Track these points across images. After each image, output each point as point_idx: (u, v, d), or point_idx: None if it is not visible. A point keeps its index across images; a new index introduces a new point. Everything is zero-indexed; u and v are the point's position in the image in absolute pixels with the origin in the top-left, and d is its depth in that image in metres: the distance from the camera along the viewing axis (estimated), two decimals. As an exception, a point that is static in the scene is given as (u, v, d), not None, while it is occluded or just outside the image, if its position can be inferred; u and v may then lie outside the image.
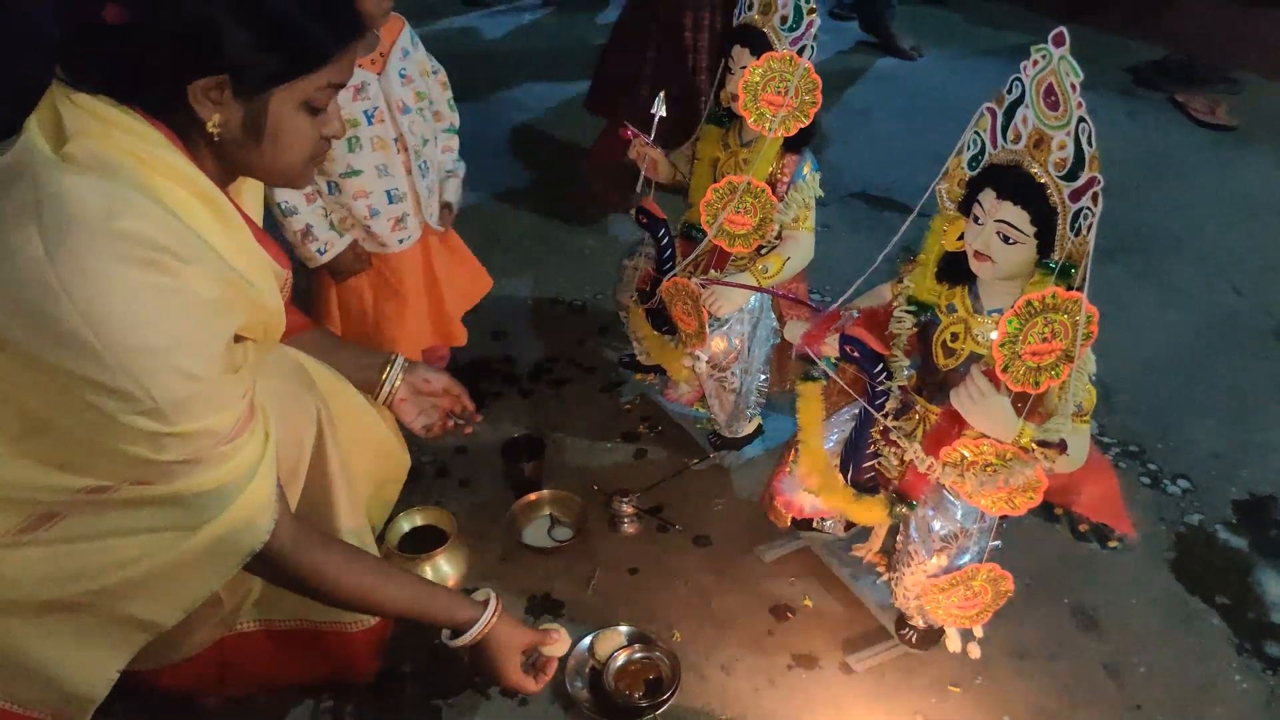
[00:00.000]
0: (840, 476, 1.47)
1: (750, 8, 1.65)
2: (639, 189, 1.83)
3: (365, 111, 1.65)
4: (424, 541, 1.60)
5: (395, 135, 1.70)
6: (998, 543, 1.45)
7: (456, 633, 1.30)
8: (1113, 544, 1.78)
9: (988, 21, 4.49)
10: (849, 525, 1.71)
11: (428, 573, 1.56)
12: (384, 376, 1.49)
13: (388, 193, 1.73)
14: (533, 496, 1.82)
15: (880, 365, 1.35)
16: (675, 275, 1.75)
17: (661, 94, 1.75)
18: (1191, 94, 3.61)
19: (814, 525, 1.71)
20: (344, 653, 1.42)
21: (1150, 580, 1.74)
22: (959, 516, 1.40)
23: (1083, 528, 1.79)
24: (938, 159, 1.34)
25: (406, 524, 1.63)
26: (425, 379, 1.53)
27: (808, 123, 1.63)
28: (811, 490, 1.50)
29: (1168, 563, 1.78)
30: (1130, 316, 2.46)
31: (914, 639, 1.55)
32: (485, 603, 1.31)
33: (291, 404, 1.24)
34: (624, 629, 1.57)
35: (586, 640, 1.56)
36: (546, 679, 1.38)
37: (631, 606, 1.66)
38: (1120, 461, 2.00)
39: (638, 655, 1.53)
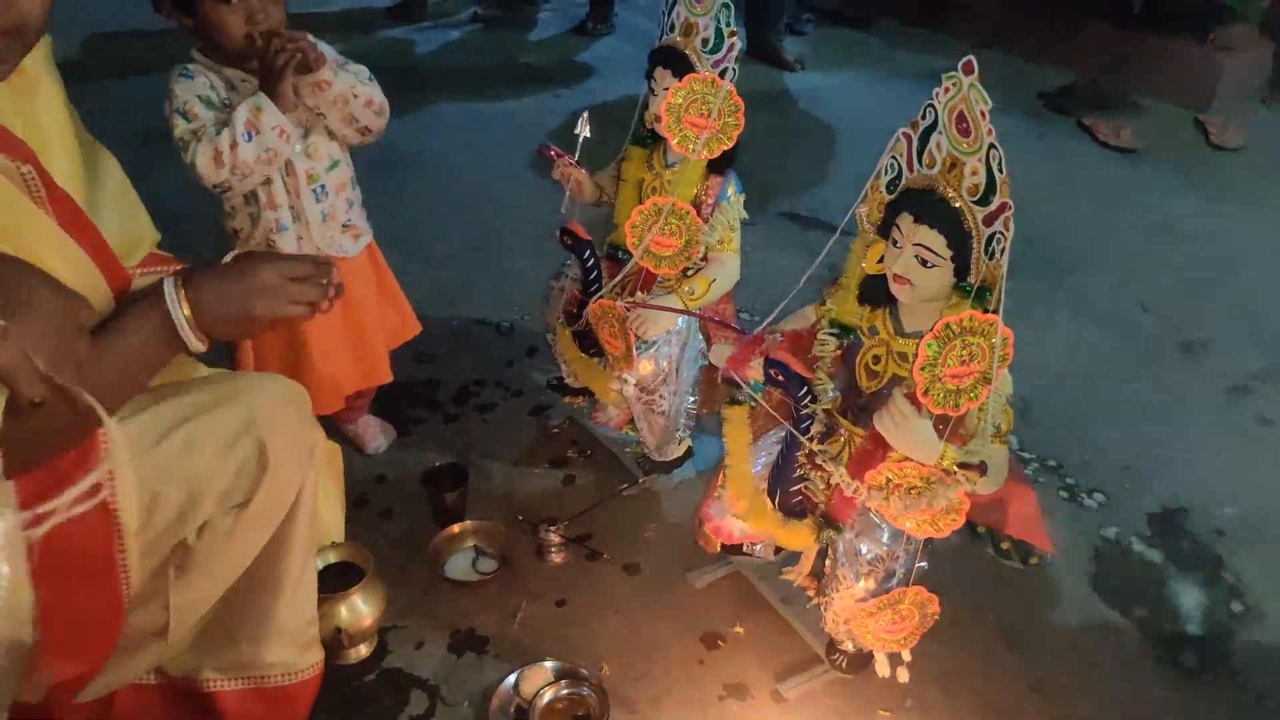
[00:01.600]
0: (768, 501, 1.46)
1: (672, 30, 1.65)
2: (564, 209, 1.80)
3: (271, 127, 1.58)
4: (339, 579, 1.53)
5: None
6: (924, 564, 1.45)
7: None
8: (1034, 561, 1.80)
9: (907, 45, 4.61)
10: (779, 549, 1.70)
11: (343, 613, 1.49)
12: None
13: (291, 207, 1.66)
14: (455, 528, 1.77)
15: (805, 389, 1.34)
16: (601, 297, 1.72)
17: (585, 114, 1.73)
18: (1097, 118, 3.75)
19: (744, 550, 1.69)
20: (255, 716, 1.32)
21: (1071, 595, 1.77)
22: (885, 539, 1.40)
23: (1005, 546, 1.81)
24: (861, 179, 1.34)
25: (319, 561, 1.56)
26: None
27: (731, 145, 1.63)
28: (739, 515, 1.49)
29: (1087, 576, 1.81)
30: (1044, 332, 2.52)
31: (844, 664, 1.54)
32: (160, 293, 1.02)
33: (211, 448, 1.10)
34: (550, 665, 1.53)
35: (511, 678, 1.51)
36: (311, 276, 1.08)
37: (560, 640, 1.62)
38: (1039, 476, 2.04)
39: (565, 692, 1.49)
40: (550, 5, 4.84)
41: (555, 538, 1.75)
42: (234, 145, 1.51)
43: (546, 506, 1.87)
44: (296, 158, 1.64)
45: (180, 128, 1.53)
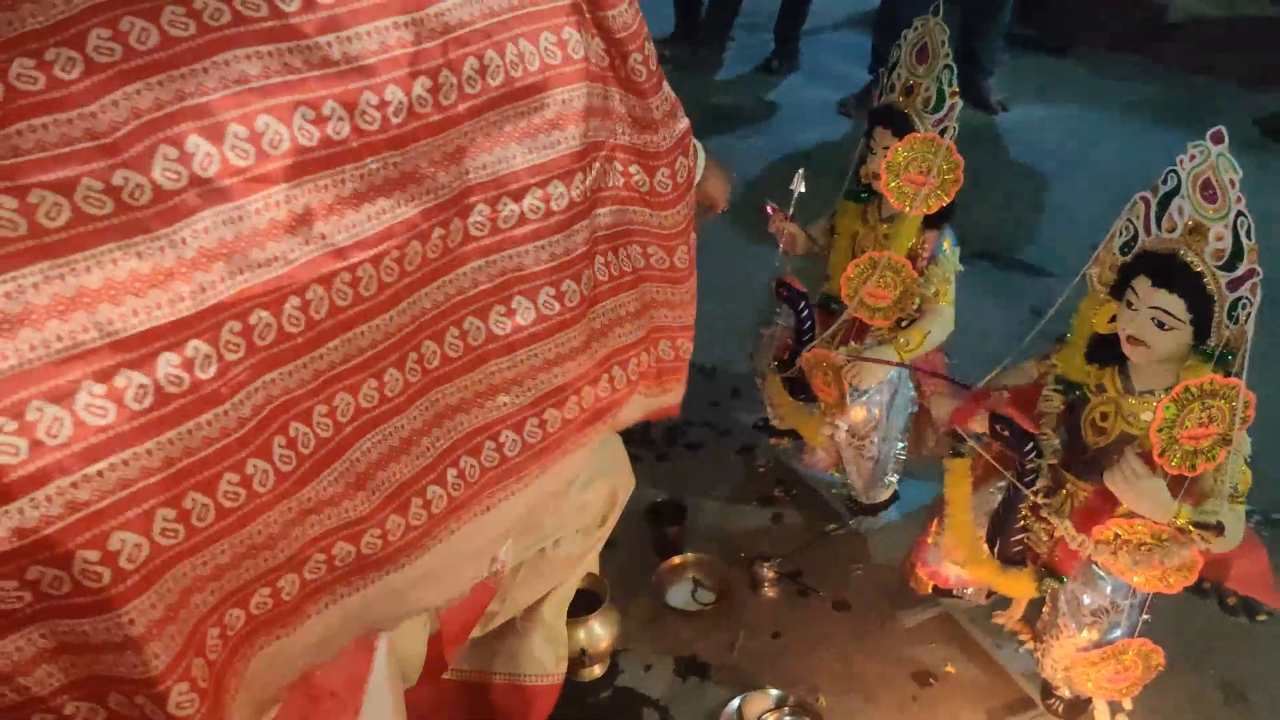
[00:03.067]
0: (987, 549, 1.50)
1: (892, 90, 1.73)
2: (778, 262, 1.92)
3: None
4: (578, 604, 1.68)
5: None
6: (1148, 616, 1.45)
7: None
8: (1261, 617, 1.74)
9: (1110, 73, 4.44)
10: (989, 592, 1.73)
11: (582, 636, 1.65)
12: None
13: None
14: (676, 560, 1.90)
15: (1030, 444, 1.39)
16: (815, 347, 1.82)
17: (801, 170, 1.84)
18: (1327, 146, 3.50)
19: (954, 592, 1.73)
20: (510, 711, 1.51)
21: (1303, 655, 1.70)
22: (1109, 591, 1.41)
23: (1231, 601, 1.76)
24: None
25: (561, 584, 1.73)
26: None
27: (949, 200, 1.69)
28: (957, 562, 1.54)
29: (1319, 638, 1.73)
30: (1270, 380, 2.38)
31: (1061, 709, 1.55)
32: None
33: None
34: (773, 692, 1.63)
35: (735, 703, 1.62)
36: None
37: (775, 670, 1.71)
38: (1261, 530, 1.94)
39: (787, 718, 1.58)
40: (735, 43, 4.98)
41: (770, 573, 1.85)
42: None
43: (757, 542, 1.98)
44: None
45: None
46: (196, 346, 0.75)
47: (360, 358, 0.89)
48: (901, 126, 1.68)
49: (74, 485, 0.71)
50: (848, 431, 1.86)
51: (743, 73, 4.73)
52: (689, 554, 1.92)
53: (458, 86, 0.87)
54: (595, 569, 1.75)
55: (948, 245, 1.75)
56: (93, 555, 0.73)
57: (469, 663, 1.50)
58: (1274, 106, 3.88)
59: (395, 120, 0.83)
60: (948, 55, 1.64)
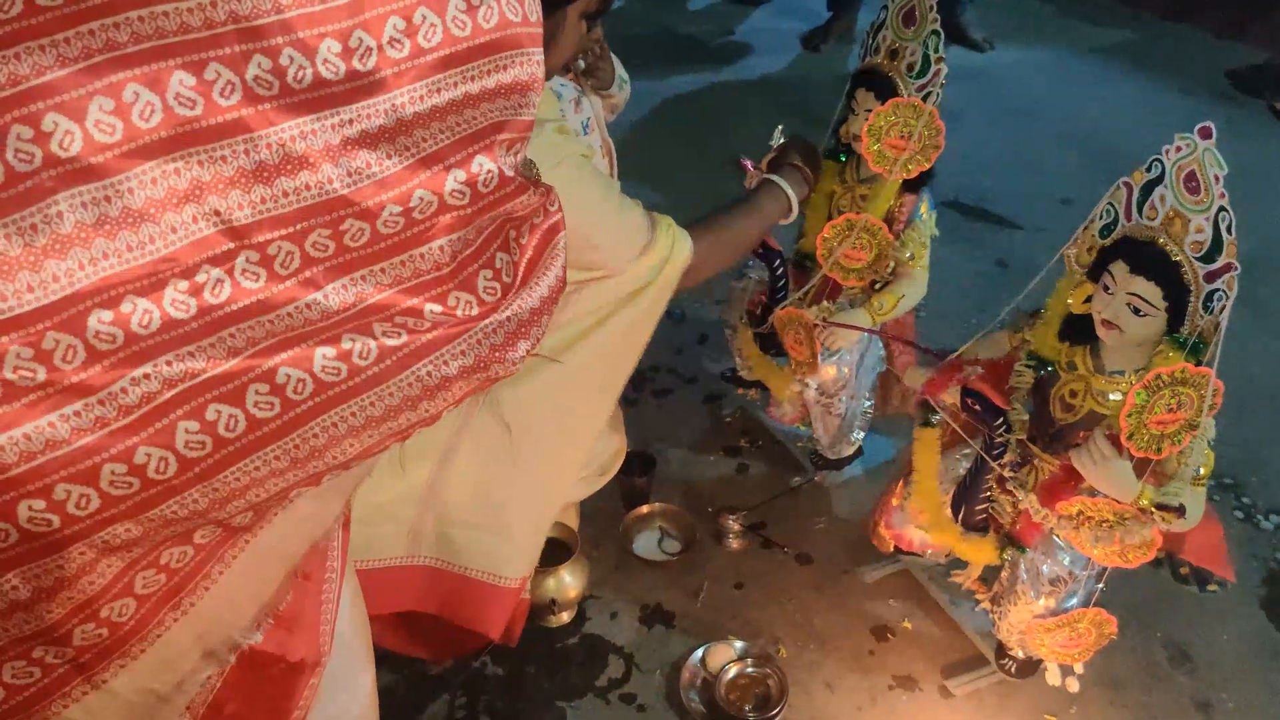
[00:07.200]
0: (951, 515, 1.54)
1: (876, 51, 1.70)
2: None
3: (583, 122, 1.75)
4: (549, 554, 1.71)
5: (601, 140, 1.80)
6: (1102, 585, 1.51)
7: None
8: (1212, 588, 1.83)
9: (1082, 15, 4.40)
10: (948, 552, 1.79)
11: (552, 585, 1.68)
12: None
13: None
14: (644, 509, 1.93)
15: (1001, 420, 1.41)
16: (788, 305, 1.82)
17: (780, 127, 1.81)
18: (1292, 102, 3.52)
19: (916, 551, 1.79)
20: (484, 607, 1.52)
21: (1241, 616, 1.79)
22: (1067, 562, 1.46)
23: (1184, 570, 1.85)
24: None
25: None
26: None
27: (929, 166, 1.68)
28: (921, 527, 1.58)
29: (1259, 599, 1.83)
30: (1224, 343, 2.45)
31: (1013, 669, 1.63)
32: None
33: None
34: (736, 643, 1.67)
35: (699, 653, 1.67)
36: None
37: (738, 620, 1.76)
38: (1214, 494, 2.03)
39: (749, 670, 1.63)
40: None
41: (735, 525, 1.89)
42: None
43: (722, 493, 2.01)
44: (610, 139, 1.86)
45: None
46: (56, 338, 0.71)
47: (290, 333, 0.83)
48: (885, 90, 1.65)
49: None
50: (817, 389, 1.88)
51: (713, 3, 4.60)
52: (656, 504, 1.94)
53: (377, 48, 0.75)
54: (573, 523, 1.77)
55: (925, 210, 1.74)
56: None
57: (431, 550, 1.51)
58: (1247, 58, 3.88)
59: (298, 85, 0.73)
60: (935, 20, 1.60)
